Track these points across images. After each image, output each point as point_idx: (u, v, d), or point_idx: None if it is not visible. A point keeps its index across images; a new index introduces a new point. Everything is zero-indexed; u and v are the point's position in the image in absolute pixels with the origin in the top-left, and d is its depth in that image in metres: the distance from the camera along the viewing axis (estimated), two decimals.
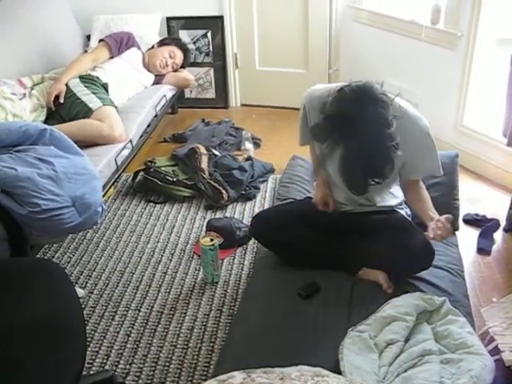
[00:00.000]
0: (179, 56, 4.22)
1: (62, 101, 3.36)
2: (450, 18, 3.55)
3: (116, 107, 3.47)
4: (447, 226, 2.15)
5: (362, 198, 2.40)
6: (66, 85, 3.44)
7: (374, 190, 2.27)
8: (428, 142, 2.25)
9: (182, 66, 4.31)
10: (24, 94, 3.34)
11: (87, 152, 2.80)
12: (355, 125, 1.93)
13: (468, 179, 3.62)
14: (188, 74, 4.39)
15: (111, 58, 3.90)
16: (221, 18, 4.61)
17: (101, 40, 3.98)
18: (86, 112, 3.29)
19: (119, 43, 3.94)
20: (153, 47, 4.22)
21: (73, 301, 1.82)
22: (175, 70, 4.25)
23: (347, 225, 2.42)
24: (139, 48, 4.09)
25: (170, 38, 4.38)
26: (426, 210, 2.29)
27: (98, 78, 3.57)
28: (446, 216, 2.17)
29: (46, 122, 3.27)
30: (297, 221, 2.45)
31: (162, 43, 4.24)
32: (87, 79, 3.53)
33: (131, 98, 3.86)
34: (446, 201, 2.71)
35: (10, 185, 2.26)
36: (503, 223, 3.16)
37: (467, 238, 3.03)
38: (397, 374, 1.87)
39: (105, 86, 3.55)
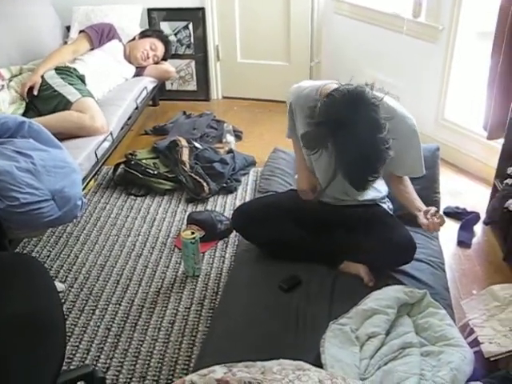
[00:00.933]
0: (160, 48, 4.19)
1: (35, 93, 3.31)
2: (431, 12, 3.56)
3: (95, 99, 3.44)
4: (441, 217, 2.17)
5: (346, 194, 2.41)
6: (42, 77, 3.39)
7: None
8: (414, 141, 2.27)
9: (164, 59, 4.28)
10: (2, 86, 3.29)
11: (67, 145, 2.77)
12: (348, 130, 1.91)
13: (449, 172, 3.64)
14: (169, 66, 4.36)
15: (92, 49, 3.86)
16: (202, 9, 4.58)
17: (81, 31, 3.94)
18: (65, 104, 3.25)
19: (100, 35, 3.90)
20: (134, 39, 4.18)
21: (52, 296, 1.80)
22: (156, 63, 4.22)
23: (330, 218, 2.42)
24: (120, 40, 4.05)
25: (151, 30, 4.35)
26: (413, 201, 2.30)
27: (74, 69, 3.53)
28: (434, 209, 2.19)
29: (24, 114, 3.23)
30: (279, 214, 2.44)
31: (143, 35, 4.21)
32: (63, 71, 3.48)
33: (112, 90, 3.83)
34: (427, 194, 2.71)
35: None
36: (483, 216, 3.18)
37: (448, 230, 3.04)
38: (378, 367, 1.87)
39: (81, 78, 3.51)
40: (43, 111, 3.26)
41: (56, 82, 3.37)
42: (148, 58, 4.11)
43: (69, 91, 3.31)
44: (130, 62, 4.04)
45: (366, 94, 1.95)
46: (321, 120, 1.98)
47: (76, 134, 3.13)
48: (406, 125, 2.22)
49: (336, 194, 2.42)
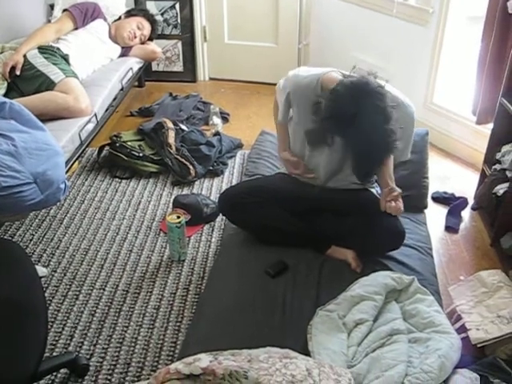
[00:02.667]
0: (147, 27, 4.12)
1: (18, 73, 3.23)
2: None
3: (79, 79, 3.37)
4: (399, 203, 2.15)
5: (339, 180, 2.40)
6: (24, 56, 3.31)
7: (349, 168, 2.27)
8: (410, 129, 2.29)
9: (150, 39, 4.22)
10: None
11: (50, 126, 2.72)
12: (357, 124, 1.90)
13: (437, 157, 3.63)
14: (155, 46, 4.29)
15: (76, 29, 3.78)
16: None
17: (65, 10, 3.86)
18: (49, 85, 3.18)
19: (84, 14, 3.82)
20: (119, 18, 4.11)
21: (33, 281, 1.77)
22: (142, 43, 4.15)
23: (318, 202, 2.40)
24: (105, 19, 3.97)
25: (137, 9, 4.27)
26: (384, 176, 2.26)
27: (58, 48, 3.45)
28: (397, 192, 2.16)
29: (6, 95, 3.15)
30: (266, 197, 2.41)
31: (129, 14, 4.13)
32: (46, 50, 3.40)
33: (96, 70, 3.76)
34: (416, 179, 2.71)
35: None
36: (471, 201, 3.18)
37: (435, 215, 3.04)
38: (365, 354, 1.87)
39: (65, 58, 3.43)
40: (26, 92, 3.19)
41: (39, 61, 3.29)
42: (135, 37, 4.04)
43: (52, 71, 3.24)
44: (115, 42, 3.97)
45: (371, 85, 1.94)
46: (328, 116, 1.97)
47: (59, 115, 3.06)
48: (408, 113, 2.24)
49: (327, 176, 2.41)
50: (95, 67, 3.76)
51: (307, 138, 2.17)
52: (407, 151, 2.35)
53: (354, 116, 1.89)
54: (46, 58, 3.31)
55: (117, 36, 3.96)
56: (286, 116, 2.42)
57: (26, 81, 3.24)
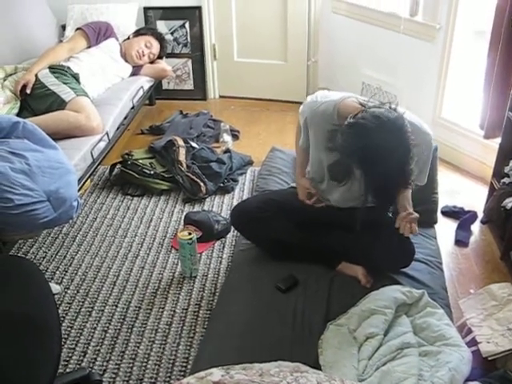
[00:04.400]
0: (155, 46, 4.17)
1: (28, 91, 3.28)
2: (428, 10, 3.55)
3: (90, 98, 3.42)
4: (414, 226, 2.16)
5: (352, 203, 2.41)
6: (36, 75, 3.36)
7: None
8: (427, 155, 2.26)
9: (159, 57, 4.27)
10: None
11: (62, 145, 2.76)
12: (379, 157, 1.90)
13: (446, 171, 3.63)
14: (165, 64, 4.34)
15: (89, 47, 3.84)
16: (199, 8, 4.56)
17: (78, 28, 3.92)
18: (60, 104, 3.22)
19: (97, 33, 3.88)
20: (128, 38, 4.17)
21: (47, 298, 1.79)
22: (152, 62, 4.20)
23: (330, 218, 2.42)
24: (117, 39, 4.03)
25: (145, 28, 4.33)
26: (403, 201, 2.27)
27: (68, 67, 3.50)
28: (414, 216, 2.17)
29: (19, 114, 3.20)
30: (278, 212, 2.44)
31: (137, 33, 4.19)
32: (57, 69, 3.45)
33: (108, 89, 3.81)
34: (425, 194, 2.71)
35: None
36: (481, 215, 3.18)
37: (445, 229, 3.04)
38: (376, 368, 1.87)
39: (75, 77, 3.47)
40: (37, 110, 3.24)
41: (50, 80, 3.34)
42: (143, 55, 4.09)
43: (63, 90, 3.28)
44: (126, 61, 4.02)
45: (391, 119, 1.92)
46: (348, 150, 1.97)
47: (71, 133, 3.10)
48: (427, 141, 2.22)
49: (342, 202, 2.43)
50: (106, 86, 3.80)
51: (329, 173, 2.18)
52: (424, 176, 2.32)
53: (376, 150, 1.89)
54: (56, 77, 3.36)
55: (127, 55, 4.02)
56: (306, 141, 2.42)
57: (37, 99, 3.29)
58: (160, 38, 4.24)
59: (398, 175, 1.98)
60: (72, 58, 3.67)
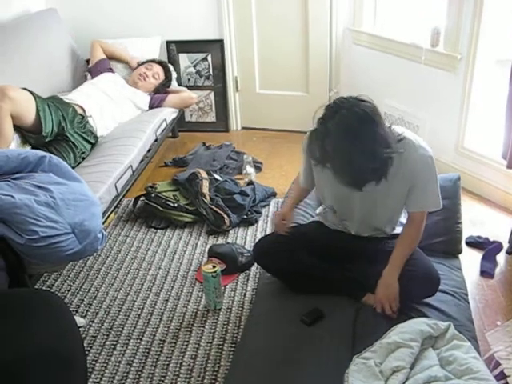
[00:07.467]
0: (156, 67, 4.25)
1: None
2: (449, 41, 3.56)
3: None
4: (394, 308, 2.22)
5: (373, 229, 2.40)
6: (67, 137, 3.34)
7: (384, 218, 2.32)
8: (427, 174, 2.21)
9: (168, 79, 4.33)
10: None
11: (86, 178, 2.80)
12: (329, 137, 1.99)
13: (470, 201, 3.60)
14: (190, 92, 4.40)
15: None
16: (221, 41, 4.62)
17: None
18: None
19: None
20: None
21: (73, 332, 1.80)
22: (164, 90, 4.29)
23: (353, 250, 2.41)
24: (113, 72, 4.20)
25: (144, 60, 4.38)
26: (391, 261, 2.28)
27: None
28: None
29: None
30: (300, 246, 2.43)
31: (137, 66, 4.31)
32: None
33: (125, 122, 3.87)
34: (449, 224, 2.70)
35: (6, 212, 2.25)
36: (506, 245, 3.14)
37: (470, 260, 3.01)
38: None
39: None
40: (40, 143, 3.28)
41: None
42: (147, 76, 4.14)
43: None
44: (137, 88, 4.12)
45: (344, 100, 2.11)
46: (324, 149, 2.03)
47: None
48: (420, 155, 2.17)
49: (363, 231, 2.43)
50: (122, 120, 3.86)
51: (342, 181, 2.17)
52: (435, 198, 2.27)
53: (326, 129, 2.01)
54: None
55: (132, 82, 4.11)
56: (307, 177, 2.48)
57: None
58: (159, 61, 4.34)
59: (365, 158, 1.94)
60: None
